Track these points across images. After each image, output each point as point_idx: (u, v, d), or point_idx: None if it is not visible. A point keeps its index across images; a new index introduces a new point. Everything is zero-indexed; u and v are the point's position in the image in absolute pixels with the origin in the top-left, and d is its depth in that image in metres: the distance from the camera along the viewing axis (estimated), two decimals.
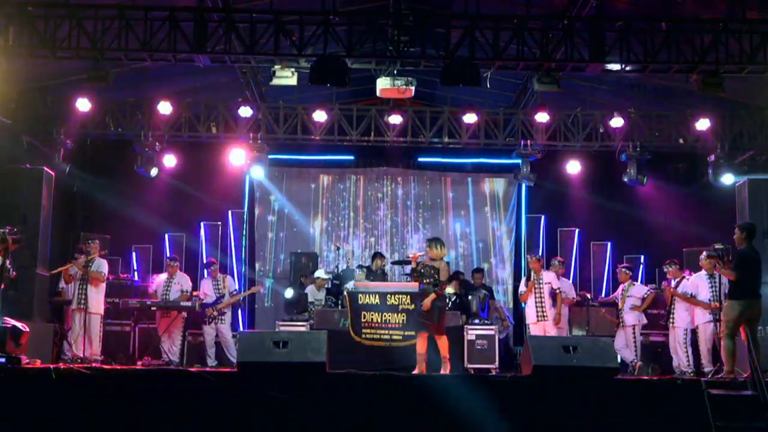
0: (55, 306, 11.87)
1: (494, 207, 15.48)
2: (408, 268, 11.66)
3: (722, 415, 7.54)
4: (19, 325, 8.59)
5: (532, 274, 11.16)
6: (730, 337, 8.75)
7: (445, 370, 9.10)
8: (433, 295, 9.06)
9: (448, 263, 9.58)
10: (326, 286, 12.47)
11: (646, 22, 10.47)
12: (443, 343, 9.16)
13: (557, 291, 11.11)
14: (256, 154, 12.92)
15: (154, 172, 12.88)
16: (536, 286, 11.02)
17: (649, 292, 11.76)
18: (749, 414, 7.65)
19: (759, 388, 7.79)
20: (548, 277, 11.16)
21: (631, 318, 11.53)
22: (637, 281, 12.25)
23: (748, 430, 7.55)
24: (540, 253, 13.70)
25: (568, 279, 12.88)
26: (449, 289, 11.02)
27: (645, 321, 11.68)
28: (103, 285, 11.26)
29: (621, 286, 11.86)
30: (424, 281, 9.20)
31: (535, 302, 11.03)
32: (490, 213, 15.46)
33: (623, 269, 11.98)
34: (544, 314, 10.97)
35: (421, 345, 9.18)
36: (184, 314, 11.67)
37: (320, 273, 12.57)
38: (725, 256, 9.11)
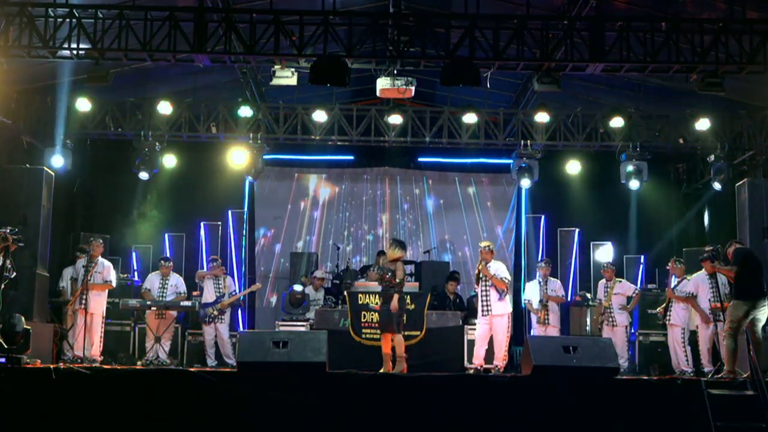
0: (55, 306, 11.87)
1: (494, 207, 15.46)
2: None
3: (722, 415, 7.55)
4: (22, 321, 8.58)
5: (482, 264, 10.26)
6: (732, 337, 8.72)
7: (400, 368, 9.07)
8: (396, 296, 9.15)
9: (403, 263, 9.58)
10: (326, 285, 12.46)
11: (646, 22, 10.46)
12: (397, 341, 9.21)
13: (503, 280, 10.17)
14: (255, 154, 12.92)
15: (144, 176, 12.85)
16: (482, 279, 10.26)
17: (636, 291, 11.77)
18: (749, 414, 7.66)
19: (759, 388, 7.79)
20: (495, 266, 10.30)
21: (623, 318, 11.55)
22: (622, 279, 12.18)
23: (748, 430, 7.56)
24: (541, 254, 13.69)
25: (565, 279, 12.87)
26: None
27: (630, 320, 11.70)
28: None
29: (602, 283, 11.81)
30: (383, 283, 9.31)
31: (481, 296, 10.31)
32: (490, 213, 15.44)
33: (608, 266, 11.94)
34: (489, 308, 10.20)
35: (386, 345, 9.24)
36: (174, 313, 11.67)
37: (318, 273, 12.56)
38: (718, 257, 9.11)
